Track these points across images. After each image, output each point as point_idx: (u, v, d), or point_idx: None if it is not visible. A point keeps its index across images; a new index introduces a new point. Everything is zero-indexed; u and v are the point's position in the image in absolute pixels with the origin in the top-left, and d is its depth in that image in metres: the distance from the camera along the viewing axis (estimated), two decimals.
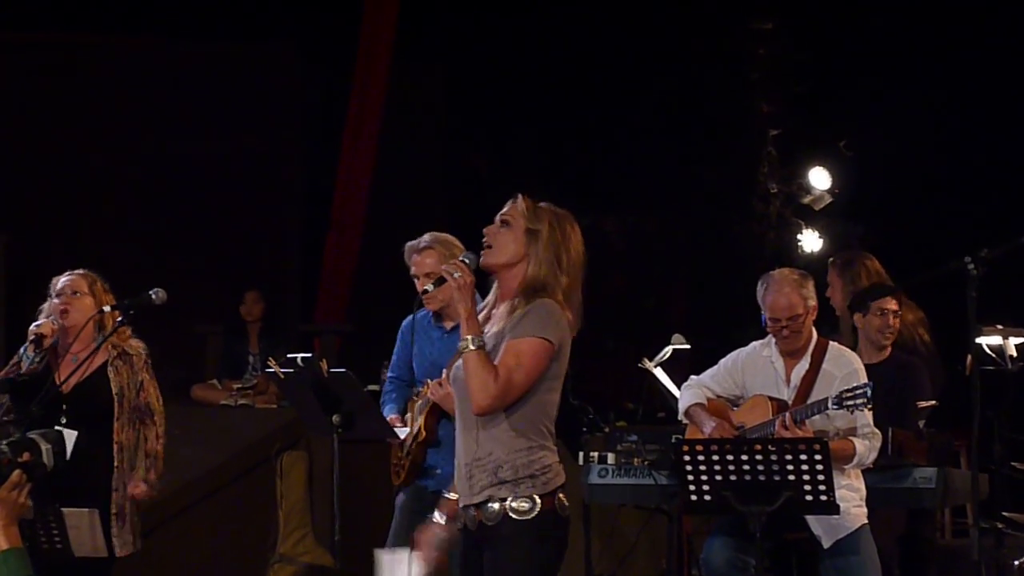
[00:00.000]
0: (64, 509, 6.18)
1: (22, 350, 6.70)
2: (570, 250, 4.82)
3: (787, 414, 6.23)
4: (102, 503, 6.54)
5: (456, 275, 4.77)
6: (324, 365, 6.31)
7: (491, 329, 4.83)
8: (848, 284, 8.23)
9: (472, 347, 4.71)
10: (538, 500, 4.71)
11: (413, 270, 6.53)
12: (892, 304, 7.65)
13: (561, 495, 4.77)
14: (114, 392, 6.67)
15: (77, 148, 13.21)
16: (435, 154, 14.24)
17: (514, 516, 4.72)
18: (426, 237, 6.53)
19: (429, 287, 5.20)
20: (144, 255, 12.79)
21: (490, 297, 4.94)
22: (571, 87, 13.14)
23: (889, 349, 7.65)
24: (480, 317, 4.84)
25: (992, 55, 11.39)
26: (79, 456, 6.53)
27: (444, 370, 6.23)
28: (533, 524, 4.71)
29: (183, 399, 11.39)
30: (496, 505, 4.73)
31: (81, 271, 6.83)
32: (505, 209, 4.87)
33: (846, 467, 6.26)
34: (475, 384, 4.71)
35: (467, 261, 4.83)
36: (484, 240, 4.86)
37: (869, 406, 6.18)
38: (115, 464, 6.66)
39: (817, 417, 6.31)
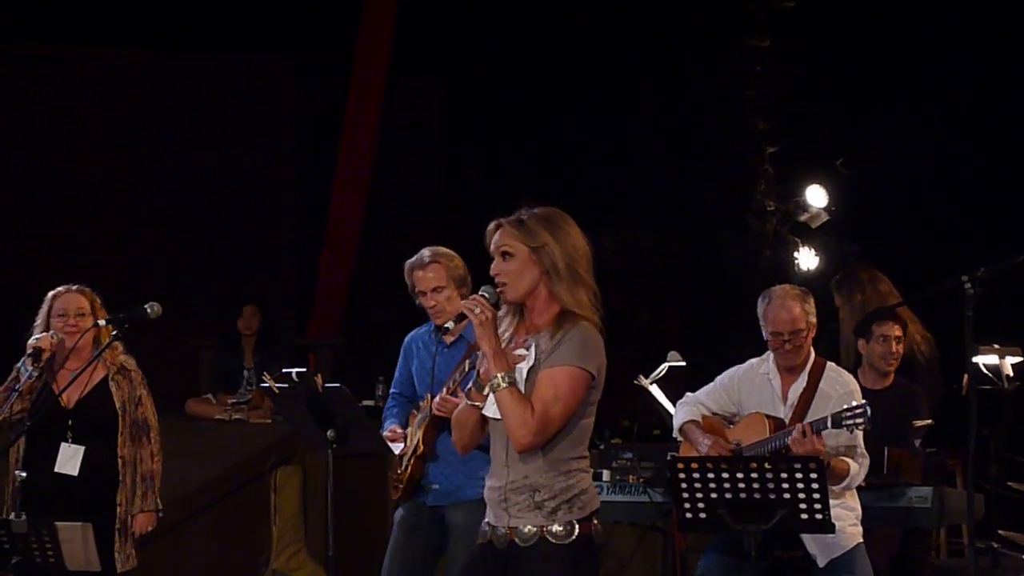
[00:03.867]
0: (57, 523, 6.19)
1: (20, 364, 6.70)
2: (577, 247, 4.70)
3: (806, 423, 6.19)
4: (109, 517, 6.56)
5: (477, 311, 4.65)
6: (319, 380, 6.30)
7: (531, 353, 4.70)
8: (846, 301, 8.24)
9: (504, 385, 4.60)
10: (576, 525, 4.63)
11: (417, 287, 6.48)
12: (895, 330, 7.64)
13: (596, 521, 4.69)
14: (117, 406, 6.70)
15: (73, 160, 13.22)
16: (430, 169, 14.24)
17: (551, 540, 4.63)
18: (426, 252, 6.50)
19: (450, 324, 5.27)
20: (139, 269, 12.79)
21: (506, 324, 4.78)
22: (567, 103, 13.15)
23: (893, 376, 7.63)
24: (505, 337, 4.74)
25: (989, 74, 11.40)
26: (88, 471, 6.62)
27: (444, 386, 6.23)
28: (569, 549, 4.63)
29: (177, 413, 11.38)
30: (532, 528, 4.64)
31: (79, 288, 6.84)
32: (495, 241, 4.72)
33: (836, 487, 6.24)
34: (513, 422, 4.60)
35: (486, 295, 4.71)
36: (496, 279, 4.71)
37: (866, 427, 6.16)
38: (119, 479, 6.68)
39: None
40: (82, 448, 6.63)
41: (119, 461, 6.71)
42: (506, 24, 13.13)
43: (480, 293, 4.73)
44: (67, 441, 6.62)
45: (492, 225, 4.77)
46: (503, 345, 4.72)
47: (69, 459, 6.60)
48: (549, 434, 4.61)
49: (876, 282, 8.46)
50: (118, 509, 6.70)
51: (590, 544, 4.65)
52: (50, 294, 6.84)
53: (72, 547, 6.21)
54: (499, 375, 4.61)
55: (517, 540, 4.66)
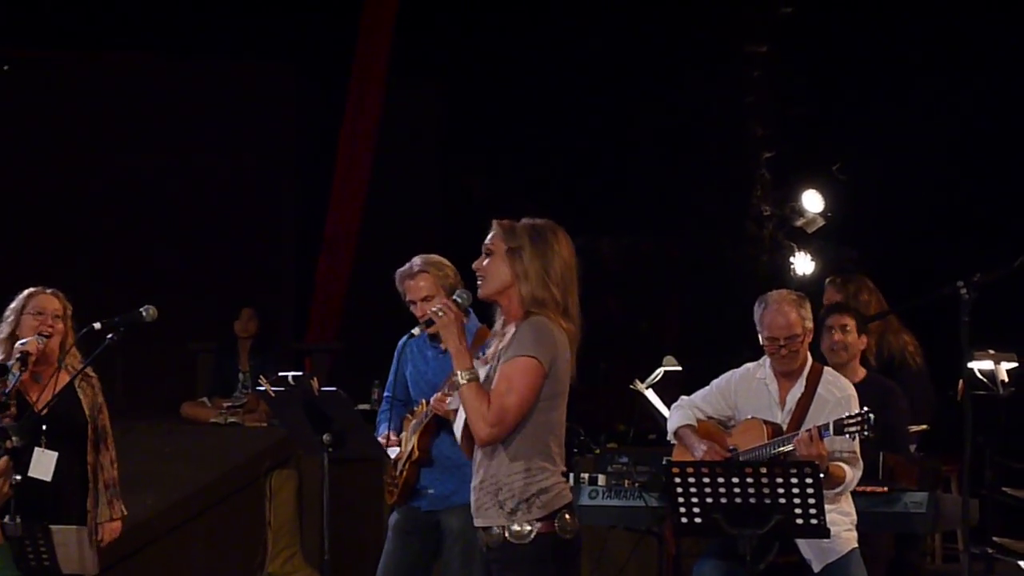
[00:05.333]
0: (52, 527, 6.17)
1: (8, 368, 6.68)
2: (555, 259, 4.83)
3: (813, 428, 6.19)
4: (77, 523, 6.54)
5: (441, 314, 4.85)
6: (315, 384, 6.30)
7: (498, 350, 4.86)
8: (850, 300, 8.20)
9: (463, 381, 4.77)
10: (535, 524, 4.73)
11: (408, 296, 6.49)
12: (838, 320, 7.56)
13: (567, 515, 4.79)
14: (87, 413, 6.70)
15: (72, 164, 13.22)
16: (430, 174, 14.25)
17: (512, 540, 4.74)
18: (416, 260, 6.50)
19: (416, 331, 5.29)
20: (137, 272, 12.79)
21: (497, 326, 4.95)
22: (567, 109, 13.15)
23: (862, 371, 7.58)
24: (492, 349, 4.88)
25: (986, 80, 11.41)
26: (61, 477, 6.60)
27: (440, 389, 6.23)
28: (530, 549, 4.73)
29: (172, 417, 11.38)
30: (497, 529, 4.77)
31: (53, 291, 6.79)
32: (486, 239, 4.92)
33: (831, 492, 6.25)
34: (472, 416, 4.76)
35: (459, 300, 4.96)
36: (477, 275, 4.91)
37: (869, 434, 6.15)
38: (89, 485, 6.69)
39: None
40: (55, 454, 6.61)
41: (88, 468, 6.71)
42: (506, 29, 13.13)
43: (454, 297, 5.02)
44: (40, 446, 6.60)
45: (492, 224, 4.95)
46: (497, 342, 4.89)
47: (42, 464, 6.58)
48: (507, 426, 4.72)
49: (875, 288, 8.45)
50: (88, 516, 6.69)
51: (554, 540, 4.75)
52: (24, 293, 6.78)
53: (67, 550, 6.19)
54: (460, 372, 4.79)
55: (488, 542, 4.80)
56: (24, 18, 12.87)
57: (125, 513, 6.86)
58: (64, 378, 6.67)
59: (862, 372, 7.57)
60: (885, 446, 7.09)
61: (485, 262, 4.88)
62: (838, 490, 6.28)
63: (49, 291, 6.80)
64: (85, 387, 6.77)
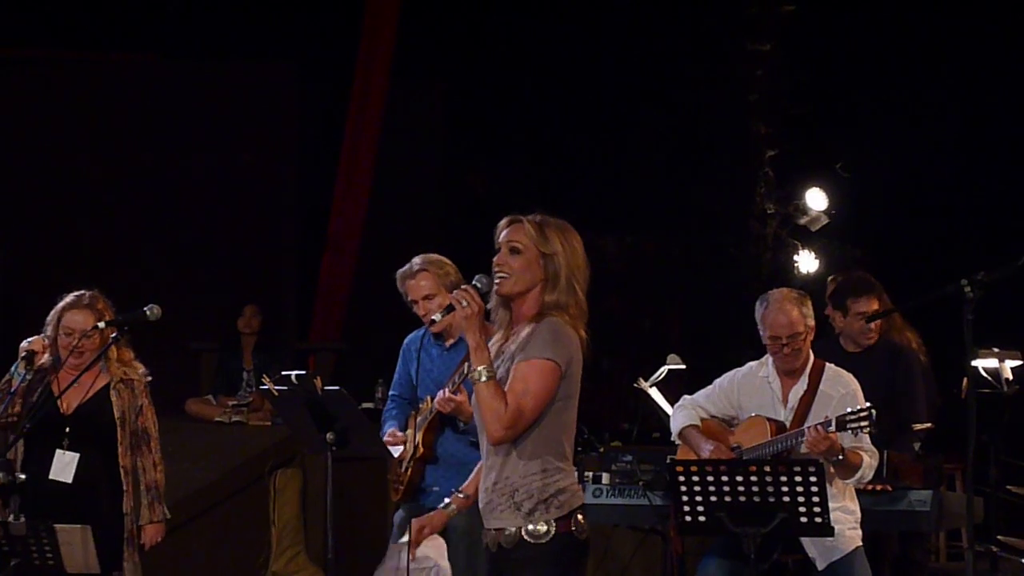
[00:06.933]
0: (56, 525, 6.17)
1: (13, 367, 6.67)
2: (581, 265, 4.81)
3: (818, 425, 6.19)
4: (104, 526, 6.51)
5: (464, 304, 4.73)
6: (319, 383, 6.30)
7: (509, 349, 4.81)
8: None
9: (483, 378, 4.70)
10: (553, 524, 4.73)
11: (409, 296, 6.49)
12: (873, 305, 7.60)
13: (580, 516, 4.79)
14: (116, 416, 6.66)
15: (75, 164, 13.23)
16: (432, 174, 14.25)
17: (529, 540, 4.74)
18: (417, 260, 6.50)
19: (437, 316, 5.12)
20: (140, 271, 12.80)
21: (499, 320, 4.88)
22: (569, 107, 13.16)
23: (875, 334, 7.58)
24: (496, 340, 4.84)
25: (989, 78, 11.41)
26: (80, 479, 6.59)
27: (444, 387, 6.23)
28: (548, 548, 4.73)
29: (177, 416, 11.38)
30: (512, 529, 4.76)
31: (89, 302, 6.70)
32: (507, 234, 4.82)
33: (848, 480, 6.25)
34: (487, 415, 4.72)
35: (479, 285, 4.77)
36: (496, 270, 4.79)
37: (872, 430, 6.15)
38: (124, 488, 6.66)
39: None
40: (76, 456, 6.60)
41: (121, 471, 6.67)
42: (509, 29, 13.14)
43: (473, 282, 4.80)
44: (62, 448, 6.60)
45: (508, 219, 4.87)
46: (501, 339, 4.84)
47: (63, 466, 6.58)
48: (521, 428, 4.70)
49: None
50: (125, 520, 6.67)
51: (570, 540, 4.75)
52: (61, 304, 6.72)
53: (71, 549, 6.19)
54: (479, 368, 4.71)
55: (502, 542, 4.79)
56: (25, 18, 12.87)
57: (168, 516, 6.82)
58: (100, 380, 6.66)
59: (875, 336, 7.58)
60: (893, 412, 7.07)
61: (512, 260, 4.79)
62: (856, 476, 6.27)
63: (85, 303, 6.71)
64: (122, 390, 6.71)
